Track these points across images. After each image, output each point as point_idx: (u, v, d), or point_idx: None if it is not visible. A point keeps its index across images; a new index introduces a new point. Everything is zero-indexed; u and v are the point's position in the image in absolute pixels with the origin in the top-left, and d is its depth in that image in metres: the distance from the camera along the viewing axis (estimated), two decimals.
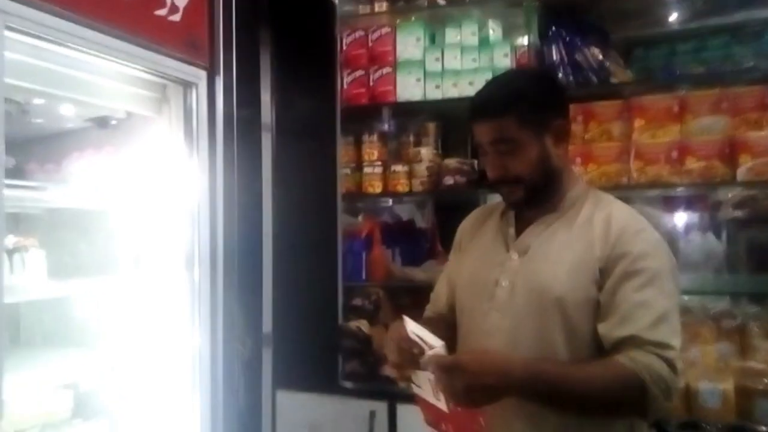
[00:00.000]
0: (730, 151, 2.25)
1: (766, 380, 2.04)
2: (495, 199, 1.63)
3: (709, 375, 2.13)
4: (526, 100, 1.35)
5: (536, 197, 1.39)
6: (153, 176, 1.94)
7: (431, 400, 1.26)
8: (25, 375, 1.65)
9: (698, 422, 2.08)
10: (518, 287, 1.35)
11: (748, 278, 3.22)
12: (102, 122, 2.03)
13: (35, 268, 1.64)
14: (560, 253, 1.34)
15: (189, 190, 1.93)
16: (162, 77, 1.87)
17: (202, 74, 1.94)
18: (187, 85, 1.93)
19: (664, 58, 2.79)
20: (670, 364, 1.22)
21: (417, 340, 1.24)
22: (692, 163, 2.30)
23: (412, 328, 1.26)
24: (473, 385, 1.14)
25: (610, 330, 1.26)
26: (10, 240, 1.65)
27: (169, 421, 1.96)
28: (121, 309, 2.00)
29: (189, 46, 1.89)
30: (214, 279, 1.96)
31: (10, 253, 1.58)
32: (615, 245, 1.30)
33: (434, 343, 1.22)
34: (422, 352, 1.22)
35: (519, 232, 1.43)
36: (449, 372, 1.15)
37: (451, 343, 1.44)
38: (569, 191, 1.42)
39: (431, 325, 1.41)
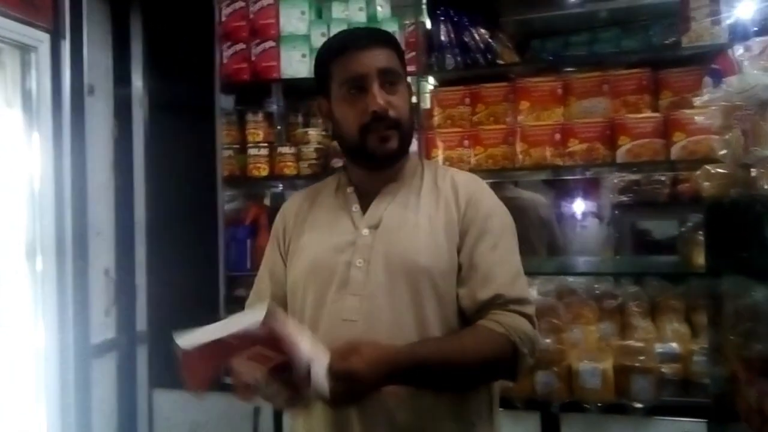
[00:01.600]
0: (611, 133, 2.28)
1: (642, 357, 2.08)
2: None
3: (590, 355, 2.14)
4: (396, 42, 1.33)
5: (402, 153, 1.30)
6: None
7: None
8: None
9: (579, 402, 2.10)
10: (376, 264, 1.24)
11: (631, 259, 3.34)
12: None
13: None
14: (417, 221, 1.27)
15: (28, 171, 1.71)
16: None
17: (44, 37, 1.72)
18: (25, 50, 1.69)
19: (560, 49, 2.81)
20: (531, 319, 1.23)
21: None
22: (575, 145, 2.32)
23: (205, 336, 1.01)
24: (365, 390, 1.05)
25: (473, 292, 1.23)
26: None
27: (13, 426, 1.73)
28: None
29: (26, 4, 1.66)
30: (61, 271, 1.74)
31: None
32: (467, 208, 1.29)
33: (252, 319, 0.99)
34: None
35: (363, 208, 1.32)
36: (342, 381, 1.03)
37: None
38: (408, 161, 1.36)
39: None
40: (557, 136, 2.32)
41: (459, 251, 1.26)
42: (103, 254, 2.16)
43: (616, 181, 3.45)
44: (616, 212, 3.60)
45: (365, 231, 1.28)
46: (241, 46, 2.59)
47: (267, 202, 3.08)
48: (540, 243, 3.03)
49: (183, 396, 2.53)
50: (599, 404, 2.08)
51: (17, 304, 1.70)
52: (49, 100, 1.72)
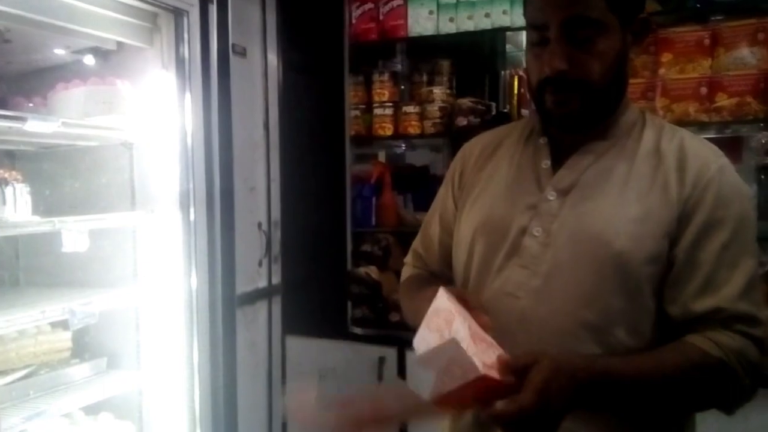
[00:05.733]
0: (766, 87, 2.07)
1: None
2: None
3: None
4: None
5: (591, 115, 1.05)
6: (146, 111, 1.85)
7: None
8: (19, 314, 1.60)
9: None
10: (558, 237, 1.03)
11: None
12: (92, 53, 1.92)
13: (17, 202, 1.57)
14: (621, 193, 1.02)
15: (182, 127, 1.83)
16: (152, 4, 1.76)
17: (194, 1, 1.82)
18: (178, 13, 1.80)
19: None
20: (760, 343, 0.97)
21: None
22: (723, 100, 2.13)
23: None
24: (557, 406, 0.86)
25: (686, 299, 0.98)
26: None
27: (167, 361, 1.91)
28: (118, 248, 1.95)
29: None
30: (211, 221, 1.87)
31: None
32: (695, 185, 1.00)
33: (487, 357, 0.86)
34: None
35: (556, 165, 1.08)
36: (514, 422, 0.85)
37: None
38: (624, 113, 1.09)
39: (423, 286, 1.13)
40: (703, 90, 2.14)
41: (674, 242, 1.00)
42: (257, 208, 2.32)
43: (764, 141, 3.15)
44: (762, 176, 3.29)
45: (551, 195, 1.06)
46: (369, 5, 2.60)
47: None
48: None
49: (311, 343, 2.69)
50: None
51: (174, 250, 1.85)
52: (198, 61, 1.82)
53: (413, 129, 2.66)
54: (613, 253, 0.99)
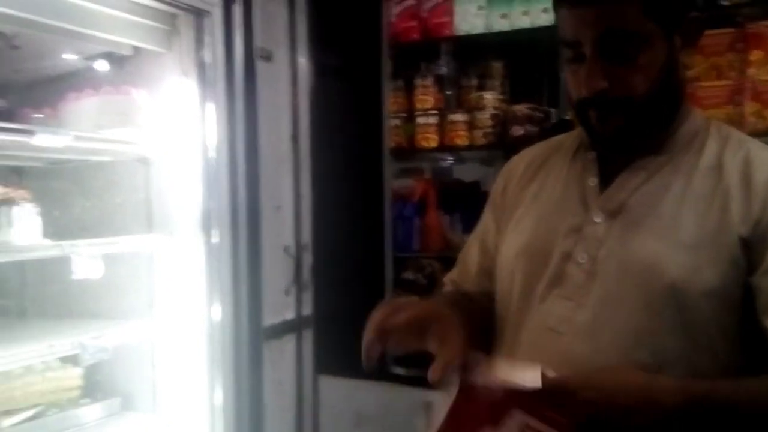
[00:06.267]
0: None
1: None
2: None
3: None
4: None
5: (640, 129, 1.06)
6: (163, 123, 1.89)
7: None
8: (25, 348, 1.64)
9: None
10: (605, 266, 1.04)
11: None
12: (105, 59, 1.98)
13: (26, 224, 1.62)
14: (676, 215, 1.02)
15: (204, 140, 1.87)
16: (171, 5, 1.80)
17: (216, 1, 1.86)
18: (199, 14, 1.85)
19: None
20: None
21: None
22: None
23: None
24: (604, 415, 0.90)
25: None
26: None
27: (186, 403, 1.93)
28: (133, 275, 1.98)
29: None
30: (235, 245, 1.89)
31: None
32: (766, 204, 1.00)
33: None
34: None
35: (605, 183, 1.09)
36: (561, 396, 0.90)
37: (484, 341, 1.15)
38: (684, 123, 1.09)
39: (457, 306, 1.12)
40: None
41: (750, 269, 0.99)
42: (284, 230, 2.32)
43: None
44: None
45: (598, 217, 1.07)
46: (410, 2, 2.63)
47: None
48: None
49: (347, 384, 2.68)
50: None
51: (195, 278, 1.88)
52: (222, 66, 1.86)
53: (461, 140, 2.66)
54: (664, 285, 0.99)
